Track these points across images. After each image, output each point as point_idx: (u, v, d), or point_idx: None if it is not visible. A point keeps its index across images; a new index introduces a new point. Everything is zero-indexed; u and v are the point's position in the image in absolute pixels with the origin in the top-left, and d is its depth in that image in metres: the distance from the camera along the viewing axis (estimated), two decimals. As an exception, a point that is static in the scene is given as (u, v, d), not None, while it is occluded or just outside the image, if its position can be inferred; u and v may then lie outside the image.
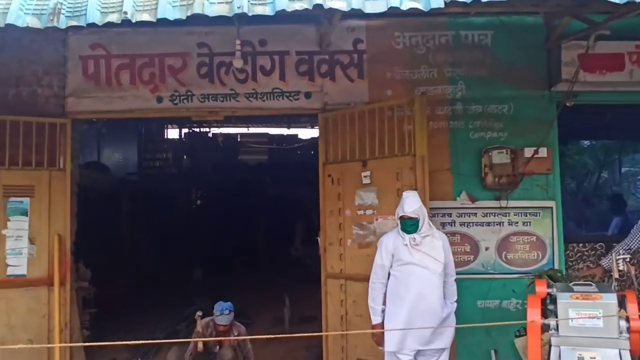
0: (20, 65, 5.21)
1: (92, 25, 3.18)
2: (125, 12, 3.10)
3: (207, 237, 11.34)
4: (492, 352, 5.07)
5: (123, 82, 5.39)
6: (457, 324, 4.74)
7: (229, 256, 11.07)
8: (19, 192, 4.96)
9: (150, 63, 5.41)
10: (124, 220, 10.07)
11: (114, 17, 3.13)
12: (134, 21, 3.14)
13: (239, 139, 11.54)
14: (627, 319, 3.43)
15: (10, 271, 4.90)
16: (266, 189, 12.24)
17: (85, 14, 3.13)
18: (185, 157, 12.05)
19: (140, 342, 3.32)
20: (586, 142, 7.37)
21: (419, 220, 3.98)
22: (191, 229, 11.46)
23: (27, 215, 4.97)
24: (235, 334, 4.90)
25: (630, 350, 3.37)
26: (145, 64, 5.41)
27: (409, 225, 3.97)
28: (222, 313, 4.74)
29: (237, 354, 4.95)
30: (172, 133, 12.38)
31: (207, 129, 11.82)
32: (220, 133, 11.45)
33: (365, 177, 4.93)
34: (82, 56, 5.39)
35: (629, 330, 3.40)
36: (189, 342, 4.89)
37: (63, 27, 3.13)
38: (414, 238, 3.98)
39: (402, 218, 3.99)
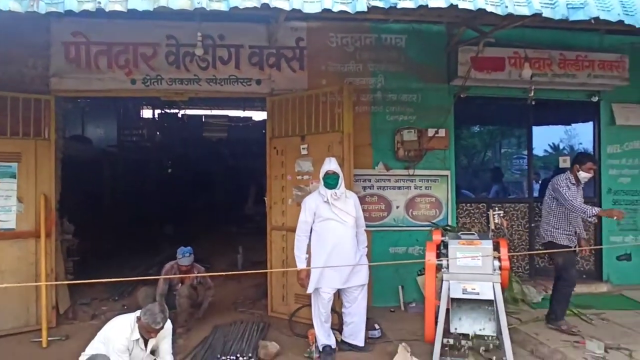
0: (7, 48, 4.81)
1: (70, 13, 2.97)
2: (99, 2, 2.92)
3: (176, 199, 11.13)
4: (400, 287, 5.29)
5: (101, 65, 5.10)
6: (373, 266, 4.91)
7: (194, 214, 10.86)
8: (7, 158, 4.63)
9: (125, 50, 5.15)
10: (104, 184, 9.69)
11: (89, 6, 2.93)
12: (107, 10, 2.96)
13: (203, 119, 11.30)
14: (499, 260, 3.66)
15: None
16: (225, 159, 12.34)
17: (63, 2, 2.91)
18: (158, 133, 11.66)
19: (115, 279, 3.23)
20: (476, 127, 7.65)
21: (339, 176, 4.02)
22: (163, 192, 11.22)
23: (15, 178, 4.68)
24: (196, 274, 4.86)
25: (501, 283, 3.61)
26: (121, 51, 5.14)
27: (332, 179, 3.99)
28: (184, 255, 4.70)
29: (198, 292, 4.91)
30: (147, 113, 11.92)
31: (177, 111, 11.46)
32: (187, 114, 11.12)
33: (303, 149, 4.93)
34: (65, 42, 5.05)
35: (500, 268, 3.63)
36: (158, 280, 4.81)
37: (43, 12, 2.89)
38: (335, 193, 4.00)
39: (327, 174, 3.99)
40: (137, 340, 3.20)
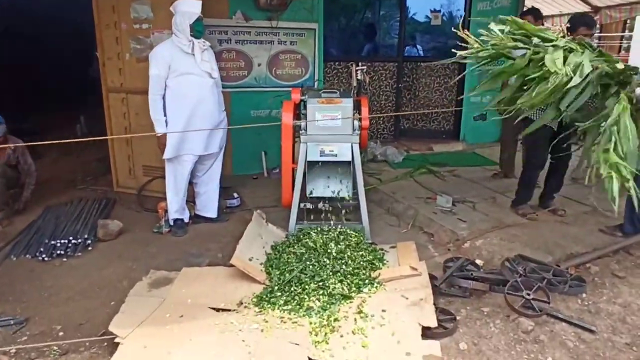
0: None
1: None
2: None
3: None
4: (263, 153, 5.09)
5: None
6: (233, 130, 4.56)
7: (30, 80, 8.99)
8: None
9: None
10: None
11: None
12: None
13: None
14: (360, 120, 3.53)
15: None
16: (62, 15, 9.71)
17: None
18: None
19: None
20: None
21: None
22: None
23: None
24: (12, 149, 4.05)
25: (360, 144, 3.53)
26: None
27: (201, 26, 3.46)
28: None
29: (20, 171, 4.15)
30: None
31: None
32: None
33: (138, -11, 4.05)
34: None
35: (360, 128, 3.51)
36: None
37: None
38: (203, 42, 3.51)
39: (197, 19, 3.40)
40: None
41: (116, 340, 2.38)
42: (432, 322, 2.51)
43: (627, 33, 15.34)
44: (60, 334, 2.57)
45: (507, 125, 4.90)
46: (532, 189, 3.99)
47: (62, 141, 2.50)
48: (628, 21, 14.19)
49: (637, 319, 2.72)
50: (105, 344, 2.44)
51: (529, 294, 2.73)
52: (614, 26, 14.97)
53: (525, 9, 6.38)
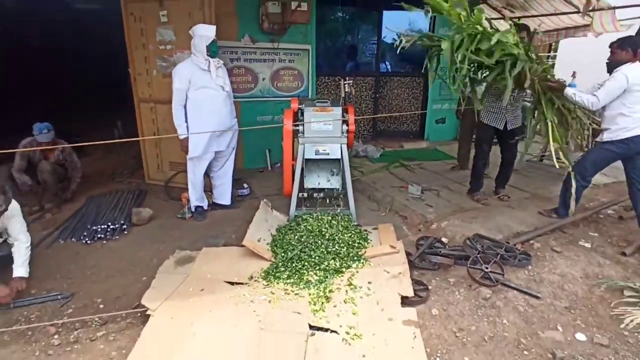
0: None
1: None
2: None
3: (54, 75, 8.45)
4: (267, 150, 4.89)
5: None
6: (244, 132, 4.36)
7: (74, 91, 8.58)
8: None
9: None
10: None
11: None
12: None
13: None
14: (347, 124, 3.36)
15: None
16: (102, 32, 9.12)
17: None
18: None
19: None
20: (338, 9, 6.70)
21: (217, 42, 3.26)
22: (33, 67, 8.42)
23: None
24: (60, 150, 3.81)
25: (347, 144, 3.36)
26: None
27: (216, 47, 3.25)
28: (41, 132, 3.54)
29: (67, 169, 3.91)
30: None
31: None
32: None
33: (163, 16, 3.78)
34: None
35: (347, 131, 3.34)
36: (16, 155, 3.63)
37: None
38: (218, 61, 3.29)
39: (213, 42, 3.19)
40: None
41: (147, 312, 2.22)
42: (409, 292, 2.39)
43: (552, 53, 15.30)
44: (101, 306, 2.40)
45: (463, 126, 4.78)
46: (481, 179, 3.87)
47: (101, 142, 2.31)
48: (553, 44, 14.16)
49: (572, 286, 2.62)
50: (139, 314, 2.28)
51: (487, 268, 2.61)
52: (541, 48, 14.90)
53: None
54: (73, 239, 3.13)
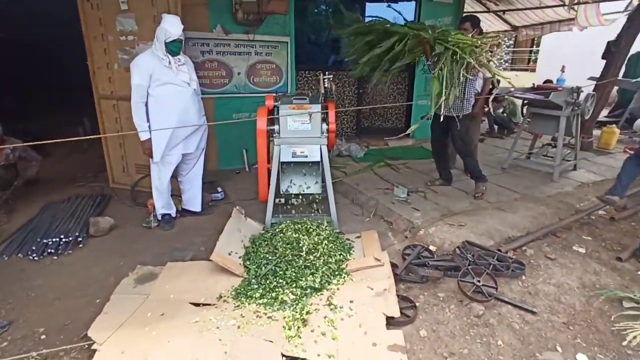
0: None
1: None
2: None
3: (21, 70, 7.89)
4: (244, 150, 4.57)
5: None
6: (218, 131, 4.04)
7: (43, 86, 8.02)
8: None
9: None
10: None
11: None
12: None
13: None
14: (327, 123, 3.08)
15: None
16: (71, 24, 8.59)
17: None
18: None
19: None
20: (320, 2, 6.37)
21: (182, 42, 2.90)
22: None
23: None
24: (11, 149, 3.43)
25: (328, 145, 3.08)
26: None
27: (177, 47, 2.88)
28: None
29: (18, 170, 3.54)
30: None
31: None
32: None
33: (122, 3, 3.41)
34: None
35: (327, 131, 3.05)
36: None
37: None
38: (179, 59, 2.94)
39: (173, 41, 2.83)
40: None
41: (94, 346, 1.91)
42: (396, 312, 2.14)
43: (534, 48, 15.28)
44: (43, 337, 2.07)
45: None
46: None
47: (52, 141, 1.97)
48: (536, 39, 14.12)
49: (569, 298, 2.43)
50: (87, 346, 1.97)
51: (479, 281, 2.39)
52: (524, 42, 14.88)
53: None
54: (19, 255, 2.78)
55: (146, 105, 2.94)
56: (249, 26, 4.22)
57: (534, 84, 4.65)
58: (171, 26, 2.82)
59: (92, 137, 2.15)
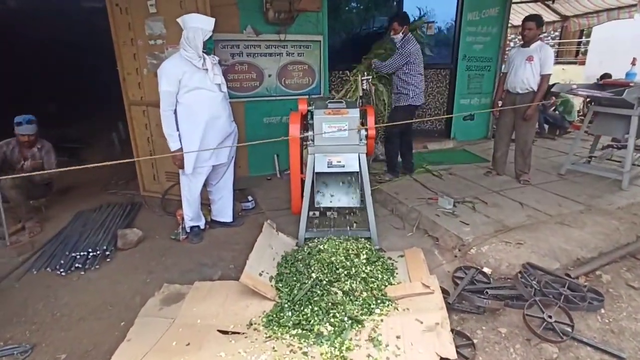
0: None
1: None
2: None
3: (60, 79, 8.10)
4: (275, 156, 4.35)
5: None
6: (248, 136, 3.84)
7: (81, 93, 8.20)
8: None
9: None
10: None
11: None
12: None
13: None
14: (366, 129, 2.78)
15: None
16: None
17: None
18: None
19: None
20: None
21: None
22: (42, 71, 8.05)
23: None
24: (39, 147, 3.40)
25: (367, 153, 2.78)
26: None
27: (212, 43, 2.75)
28: (22, 123, 3.20)
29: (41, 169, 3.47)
30: None
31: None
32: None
33: (151, 5, 3.27)
34: None
35: (366, 137, 2.76)
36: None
37: None
38: (214, 57, 2.77)
39: (210, 37, 2.66)
40: None
41: (114, 382, 1.73)
42: (451, 354, 1.81)
43: (584, 39, 14.15)
44: (64, 365, 1.93)
45: (500, 125, 4.10)
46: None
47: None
48: (584, 29, 13.04)
49: (663, 338, 2.01)
50: (108, 378, 1.79)
51: (550, 317, 2.02)
52: (571, 34, 13.81)
53: (509, 21, 5.53)
54: (48, 269, 2.68)
55: (175, 113, 2.77)
56: (280, 25, 3.99)
57: (597, 80, 4.11)
58: (205, 23, 2.62)
59: (123, 161, 1.89)
